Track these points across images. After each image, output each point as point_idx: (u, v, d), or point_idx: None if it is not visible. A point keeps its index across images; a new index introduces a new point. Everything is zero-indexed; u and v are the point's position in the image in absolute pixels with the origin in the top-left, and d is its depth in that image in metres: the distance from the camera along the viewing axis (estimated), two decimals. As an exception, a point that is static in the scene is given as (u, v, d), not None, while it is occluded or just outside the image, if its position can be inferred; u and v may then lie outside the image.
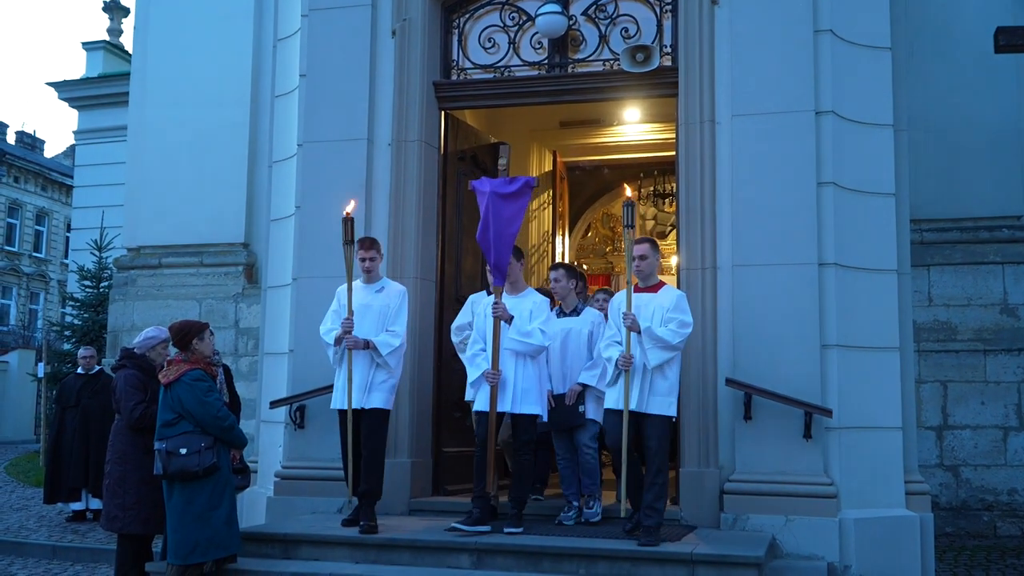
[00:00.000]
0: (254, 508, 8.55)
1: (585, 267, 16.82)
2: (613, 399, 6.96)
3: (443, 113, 8.95)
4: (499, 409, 7.16)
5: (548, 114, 11.89)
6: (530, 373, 7.22)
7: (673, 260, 15.26)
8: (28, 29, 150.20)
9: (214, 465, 6.61)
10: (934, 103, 10.54)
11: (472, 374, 7.37)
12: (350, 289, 7.44)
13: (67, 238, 37.68)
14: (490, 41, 8.90)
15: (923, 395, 10.42)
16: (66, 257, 35.75)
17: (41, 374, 16.68)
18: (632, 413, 6.75)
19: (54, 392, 13.60)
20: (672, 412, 6.90)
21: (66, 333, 16.81)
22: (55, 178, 42.36)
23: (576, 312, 7.87)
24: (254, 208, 12.19)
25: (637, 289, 6.96)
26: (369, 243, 7.66)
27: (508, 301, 7.26)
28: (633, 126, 12.64)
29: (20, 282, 41.47)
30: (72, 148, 27.87)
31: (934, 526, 7.78)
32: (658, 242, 6.92)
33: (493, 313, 7.15)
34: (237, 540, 6.82)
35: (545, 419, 7.37)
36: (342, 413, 7.46)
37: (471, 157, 9.47)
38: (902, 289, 7.90)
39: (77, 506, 11.30)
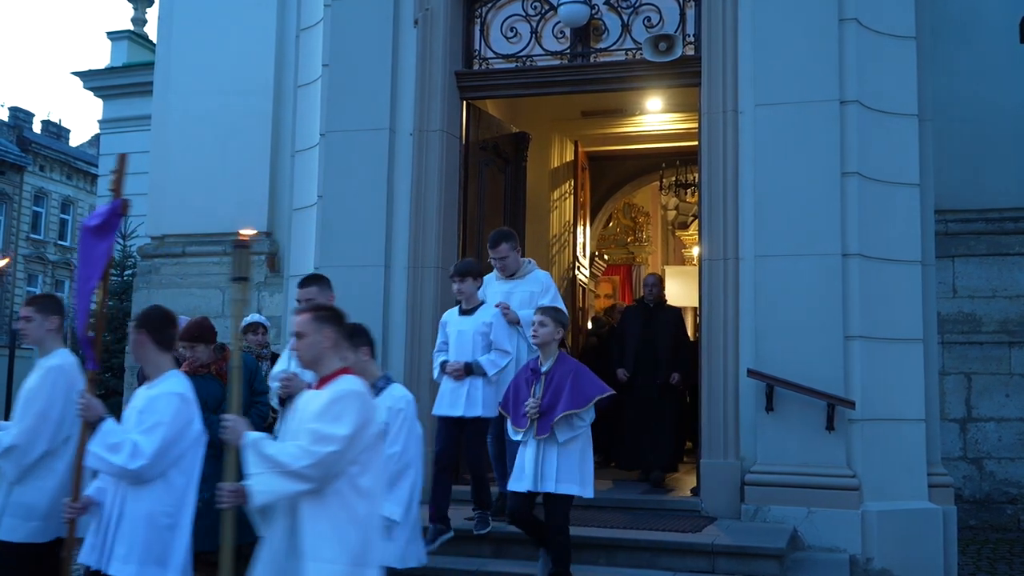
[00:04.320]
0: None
1: (607, 257, 16.78)
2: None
3: (465, 103, 8.94)
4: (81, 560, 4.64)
5: (570, 104, 11.85)
6: (134, 509, 4.50)
7: (695, 251, 15.23)
8: (53, 19, 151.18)
9: None
10: (959, 93, 10.46)
11: None
12: (11, 369, 5.08)
13: (92, 227, 37.88)
14: (512, 31, 8.89)
15: (947, 387, 10.35)
16: (91, 245, 35.91)
17: (66, 362, 16.81)
18: None
19: None
20: None
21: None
22: (80, 167, 42.65)
23: (377, 389, 5.23)
24: (277, 197, 12.21)
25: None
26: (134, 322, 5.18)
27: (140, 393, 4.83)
28: (655, 116, 12.59)
29: (45, 270, 41.81)
30: (97, 137, 28.03)
31: (957, 519, 7.73)
32: (333, 316, 4.43)
33: (78, 410, 4.69)
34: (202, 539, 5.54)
35: None
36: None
37: (493, 147, 9.47)
38: (926, 280, 7.85)
39: None
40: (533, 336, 6.23)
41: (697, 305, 8.21)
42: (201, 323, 6.73)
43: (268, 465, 4.08)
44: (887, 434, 7.46)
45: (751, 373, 7.42)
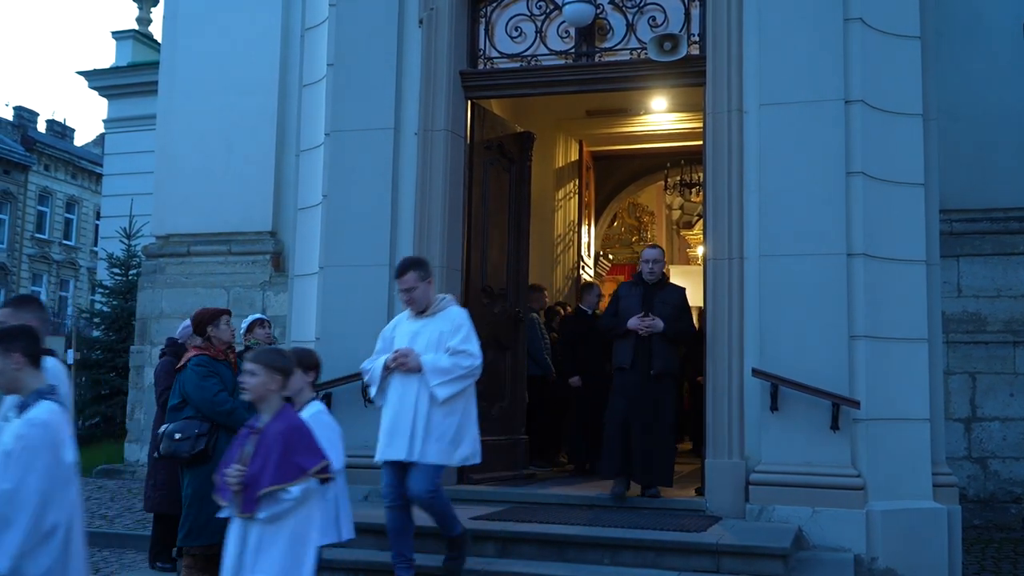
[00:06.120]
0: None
1: (611, 257, 16.78)
2: None
3: (469, 102, 8.94)
4: None
5: (575, 103, 11.86)
6: None
7: (700, 250, 15.23)
8: (58, 18, 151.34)
9: (204, 452, 6.73)
10: (964, 92, 10.44)
11: None
12: None
13: (96, 226, 37.99)
14: (517, 30, 8.89)
15: (952, 387, 10.34)
16: (95, 245, 36.04)
17: (71, 361, 16.82)
18: None
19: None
20: None
21: (95, 320, 16.97)
22: (85, 166, 42.73)
23: (22, 407, 4.41)
24: (281, 197, 12.26)
25: None
26: None
27: None
28: (660, 115, 12.59)
29: (50, 269, 41.88)
30: (102, 136, 28.05)
31: (961, 518, 7.72)
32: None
33: None
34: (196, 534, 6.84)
35: None
36: None
37: (497, 146, 9.47)
38: (931, 280, 7.84)
39: None
40: (243, 390, 4.98)
41: (702, 304, 8.19)
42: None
43: None
44: (892, 434, 7.45)
45: (756, 373, 7.41)
